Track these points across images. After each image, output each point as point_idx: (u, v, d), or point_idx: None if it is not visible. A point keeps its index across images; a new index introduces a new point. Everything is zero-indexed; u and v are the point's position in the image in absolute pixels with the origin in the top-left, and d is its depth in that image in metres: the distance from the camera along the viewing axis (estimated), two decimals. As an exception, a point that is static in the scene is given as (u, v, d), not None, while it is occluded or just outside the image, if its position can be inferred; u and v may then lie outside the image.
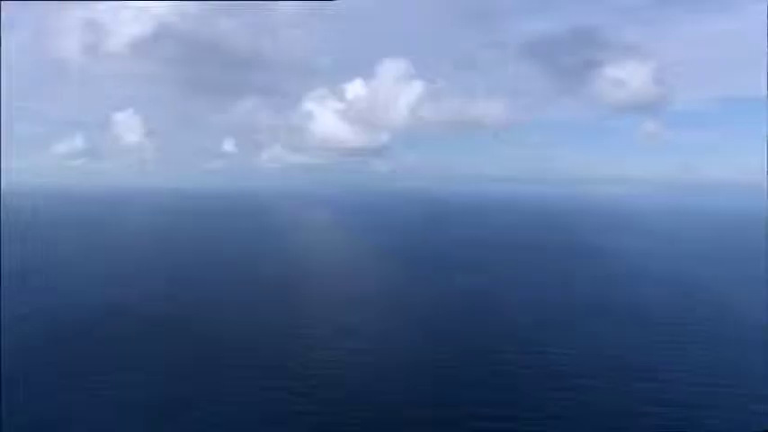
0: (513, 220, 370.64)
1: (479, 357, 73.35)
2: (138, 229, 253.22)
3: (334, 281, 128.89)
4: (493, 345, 78.74)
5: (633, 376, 67.68)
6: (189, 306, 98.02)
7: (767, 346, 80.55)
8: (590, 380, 66.23)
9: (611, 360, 73.33)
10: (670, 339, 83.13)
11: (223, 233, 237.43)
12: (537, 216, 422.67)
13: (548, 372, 68.86)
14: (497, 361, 71.97)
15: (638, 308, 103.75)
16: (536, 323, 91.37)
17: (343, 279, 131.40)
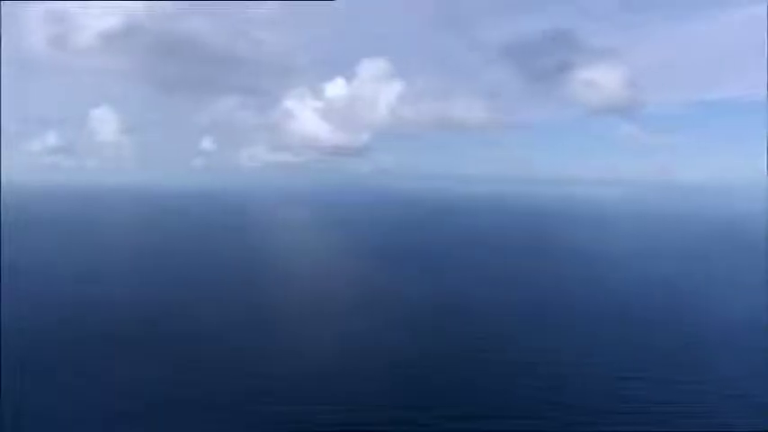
0: (492, 220, 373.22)
1: (455, 357, 74.40)
2: (115, 227, 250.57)
3: (311, 280, 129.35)
4: (466, 345, 79.99)
5: (616, 376, 69.17)
6: (166, 305, 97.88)
7: (741, 344, 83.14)
8: (571, 379, 67.71)
9: (592, 359, 75.05)
10: (647, 338, 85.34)
11: (202, 231, 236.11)
12: (516, 217, 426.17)
13: (527, 370, 70.16)
14: (473, 360, 73.12)
15: (616, 308, 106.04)
16: (512, 323, 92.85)
17: (320, 279, 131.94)
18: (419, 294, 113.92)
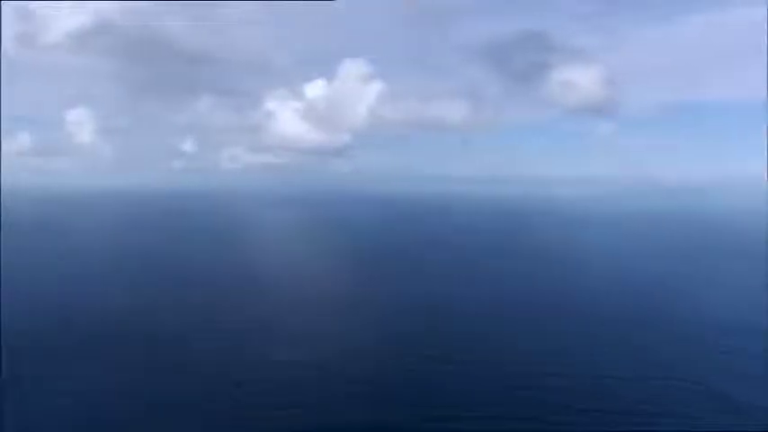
0: (472, 220, 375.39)
1: (435, 359, 74.05)
2: (94, 230, 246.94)
3: (291, 282, 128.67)
4: (448, 346, 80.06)
5: (591, 374, 69.35)
6: (142, 308, 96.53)
7: (717, 343, 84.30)
8: (545, 379, 67.75)
9: (569, 359, 75.26)
10: (621, 336, 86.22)
11: (182, 233, 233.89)
12: (497, 217, 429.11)
13: (503, 372, 70.07)
14: (444, 361, 73.17)
15: (596, 306, 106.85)
16: (493, 324, 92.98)
17: (300, 280, 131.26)
18: (395, 296, 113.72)
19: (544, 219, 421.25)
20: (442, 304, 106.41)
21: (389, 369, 69.88)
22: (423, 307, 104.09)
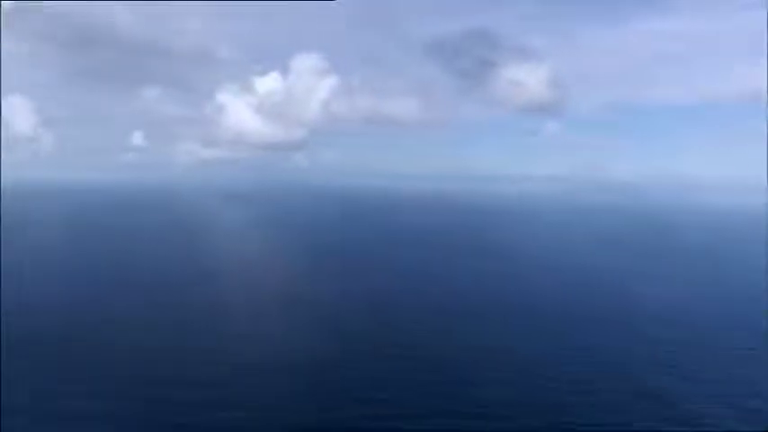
0: (425, 217, 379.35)
1: (382, 356, 75.07)
2: (33, 225, 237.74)
3: (243, 279, 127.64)
4: (396, 342, 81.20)
5: (539, 373, 71.08)
6: (83, 309, 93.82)
7: (657, 337, 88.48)
8: (492, 373, 69.71)
9: (516, 355, 77.48)
10: (575, 331, 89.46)
11: (129, 230, 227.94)
12: (448, 213, 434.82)
13: (452, 367, 71.63)
14: (400, 358, 74.45)
15: (544, 302, 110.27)
16: (438, 320, 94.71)
17: (252, 277, 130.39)
18: (343, 293, 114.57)
19: (494, 215, 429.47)
20: (389, 300, 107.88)
21: (332, 366, 70.57)
22: (369, 303, 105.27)
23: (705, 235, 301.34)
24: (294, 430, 54.08)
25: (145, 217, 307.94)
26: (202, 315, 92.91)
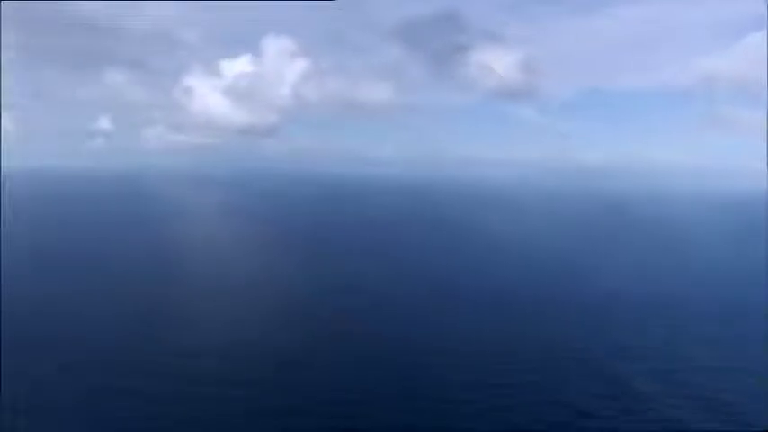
0: (398, 202, 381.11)
1: (347, 342, 75.98)
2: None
3: (212, 266, 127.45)
4: (364, 327, 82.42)
5: (494, 359, 72.55)
6: (46, 299, 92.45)
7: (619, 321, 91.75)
8: (451, 356, 71.13)
9: (478, 337, 79.21)
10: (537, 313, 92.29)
11: (97, 218, 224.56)
12: (420, 199, 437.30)
13: (417, 351, 72.70)
14: (367, 345, 75.34)
15: (507, 285, 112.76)
16: (404, 303, 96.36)
17: (221, 265, 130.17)
18: (311, 279, 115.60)
19: (465, 200, 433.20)
20: (356, 283, 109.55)
21: (299, 349, 71.63)
22: (336, 288, 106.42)
23: (670, 220, 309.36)
24: (260, 414, 54.62)
25: (113, 205, 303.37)
26: (167, 304, 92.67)
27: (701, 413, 57.02)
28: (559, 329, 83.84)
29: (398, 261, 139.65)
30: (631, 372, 67.58)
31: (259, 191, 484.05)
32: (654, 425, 54.38)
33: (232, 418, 53.65)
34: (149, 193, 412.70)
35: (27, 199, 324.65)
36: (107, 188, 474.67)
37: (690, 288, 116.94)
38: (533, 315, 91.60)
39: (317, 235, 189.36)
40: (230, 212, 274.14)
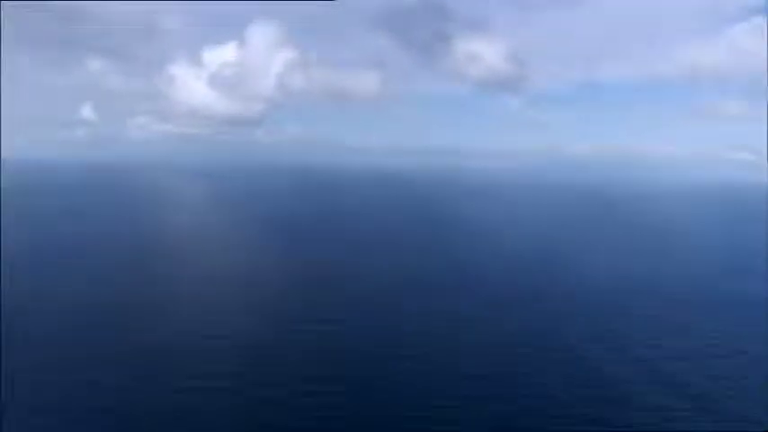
0: (384, 192, 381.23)
1: (332, 330, 75.94)
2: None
3: (195, 257, 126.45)
4: (333, 314, 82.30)
5: (461, 351, 73.21)
6: (25, 292, 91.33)
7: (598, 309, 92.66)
8: (428, 349, 70.94)
9: (452, 324, 79.20)
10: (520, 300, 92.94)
11: (80, 209, 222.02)
12: (407, 188, 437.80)
13: (389, 340, 72.66)
14: (342, 334, 75.09)
15: (497, 273, 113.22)
16: (384, 294, 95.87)
17: (203, 256, 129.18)
18: (290, 268, 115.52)
19: (450, 190, 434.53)
20: (335, 275, 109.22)
21: (277, 341, 71.35)
22: (315, 277, 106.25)
23: (654, 210, 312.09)
24: (233, 407, 54.46)
25: (96, 196, 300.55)
26: (149, 296, 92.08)
27: (672, 400, 57.84)
28: (536, 318, 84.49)
29: (380, 252, 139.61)
30: (605, 358, 68.45)
31: (247, 182, 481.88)
32: (627, 410, 55.03)
33: (215, 411, 53.30)
34: (134, 185, 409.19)
35: (8, 192, 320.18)
36: (91, 179, 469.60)
37: (670, 276, 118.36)
38: (510, 304, 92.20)
39: (301, 226, 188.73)
40: (216, 204, 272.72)
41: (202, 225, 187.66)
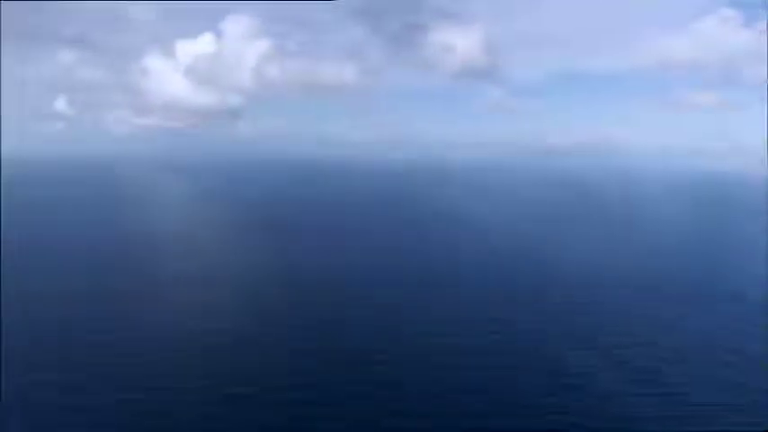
0: (365, 185, 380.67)
1: (313, 326, 76.84)
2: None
3: (176, 253, 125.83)
4: (307, 314, 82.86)
5: (424, 329, 74.73)
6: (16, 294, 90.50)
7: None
8: (410, 342, 72.14)
9: (428, 320, 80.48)
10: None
11: (57, 206, 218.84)
12: (385, 181, 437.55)
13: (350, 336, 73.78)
14: (312, 328, 76.14)
15: (478, 267, 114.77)
16: (363, 292, 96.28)
17: (184, 252, 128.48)
18: (269, 265, 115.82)
19: (430, 182, 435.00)
20: (316, 273, 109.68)
21: (264, 336, 71.71)
22: (292, 278, 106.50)
23: (634, 199, 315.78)
24: (219, 402, 54.90)
25: (73, 193, 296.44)
26: (133, 293, 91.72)
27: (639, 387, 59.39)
28: (510, 309, 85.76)
29: (358, 245, 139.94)
30: (578, 352, 69.71)
31: (227, 177, 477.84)
32: (595, 400, 56.43)
33: (200, 408, 53.81)
34: (114, 181, 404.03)
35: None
36: (69, 175, 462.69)
37: (648, 266, 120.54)
38: (486, 295, 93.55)
39: (283, 221, 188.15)
40: (198, 199, 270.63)
41: (184, 222, 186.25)
